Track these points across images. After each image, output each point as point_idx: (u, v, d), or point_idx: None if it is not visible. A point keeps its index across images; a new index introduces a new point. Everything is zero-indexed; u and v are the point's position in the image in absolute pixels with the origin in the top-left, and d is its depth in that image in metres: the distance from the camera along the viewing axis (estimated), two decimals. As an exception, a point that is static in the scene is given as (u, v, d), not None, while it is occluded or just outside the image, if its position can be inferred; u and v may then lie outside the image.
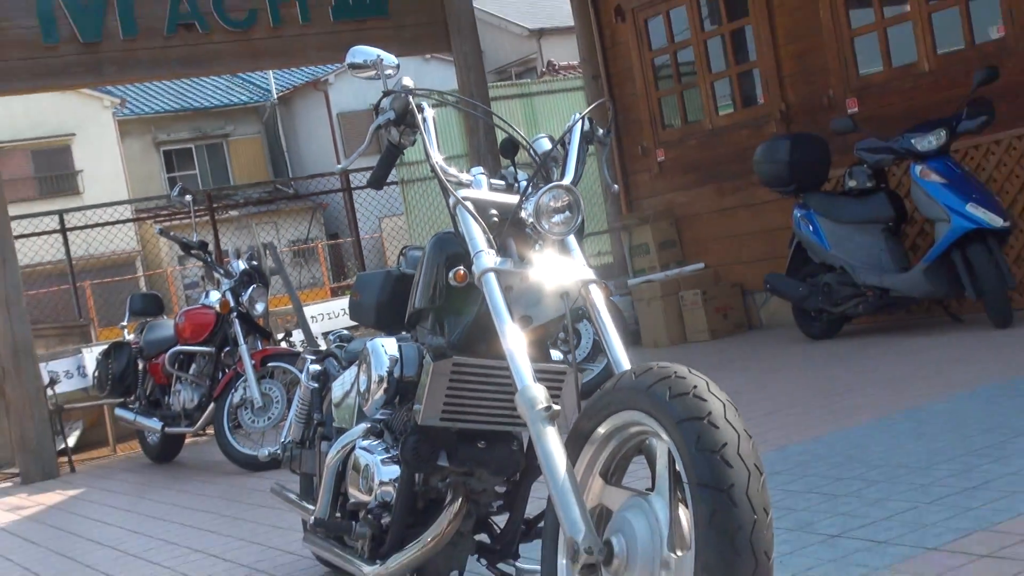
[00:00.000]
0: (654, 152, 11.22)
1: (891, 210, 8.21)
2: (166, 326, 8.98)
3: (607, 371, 2.85)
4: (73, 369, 9.93)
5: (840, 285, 8.42)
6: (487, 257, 2.89)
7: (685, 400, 2.35)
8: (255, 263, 8.47)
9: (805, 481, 4.53)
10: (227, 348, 8.28)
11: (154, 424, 8.68)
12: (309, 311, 9.98)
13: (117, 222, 13.49)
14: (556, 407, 2.61)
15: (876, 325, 8.82)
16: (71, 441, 9.90)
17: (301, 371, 4.56)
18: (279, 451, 4.69)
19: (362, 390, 3.46)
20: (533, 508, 3.45)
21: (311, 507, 4.09)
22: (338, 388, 4.07)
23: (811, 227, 8.57)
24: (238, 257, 8.56)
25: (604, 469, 2.68)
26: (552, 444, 2.57)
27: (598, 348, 7.76)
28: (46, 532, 6.76)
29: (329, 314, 10.73)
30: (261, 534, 5.56)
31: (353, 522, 3.61)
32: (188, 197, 8.79)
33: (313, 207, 30.24)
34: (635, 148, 11.42)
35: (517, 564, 3.44)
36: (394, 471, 3.36)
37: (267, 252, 9.07)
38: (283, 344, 8.70)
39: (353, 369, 3.89)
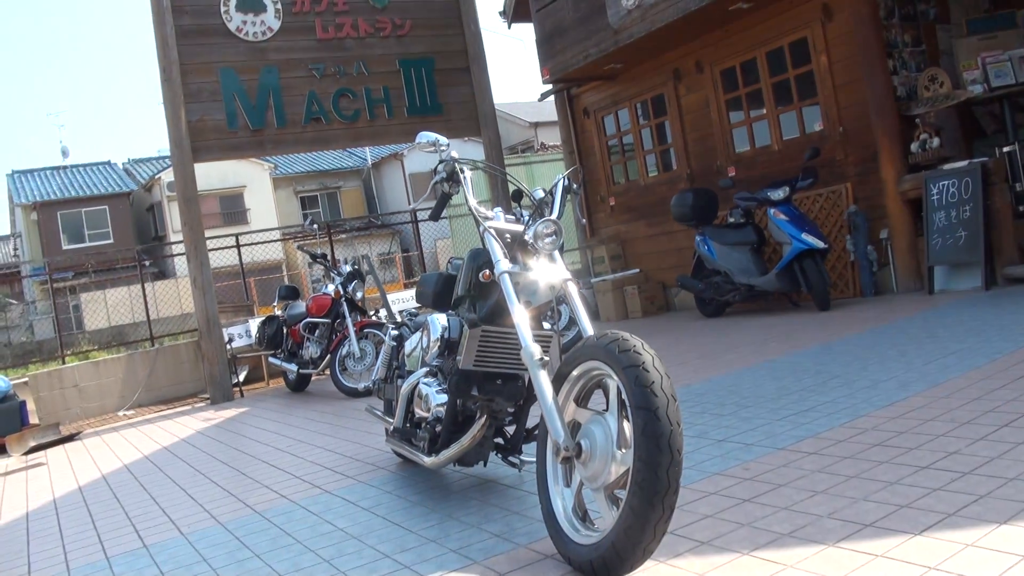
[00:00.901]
0: (608, 199, 11.16)
1: (755, 236, 8.15)
2: (301, 305, 8.87)
3: (578, 336, 2.80)
4: (243, 332, 9.85)
5: (724, 283, 8.34)
6: (503, 264, 2.87)
7: (629, 354, 2.32)
8: (356, 267, 8.36)
9: (702, 407, 4.47)
10: (339, 320, 8.18)
11: (292, 367, 8.57)
12: (390, 297, 9.90)
13: (270, 241, 13.53)
14: (547, 358, 2.59)
15: (745, 309, 8.73)
16: (241, 377, 9.82)
17: (385, 334, 4.46)
18: (371, 385, 4.63)
19: (424, 347, 3.43)
20: (531, 422, 3.44)
21: (391, 420, 4.05)
22: (409, 345, 3.97)
23: (706, 247, 8.50)
24: (346, 263, 8.48)
25: (576, 397, 2.66)
26: (544, 381, 2.55)
27: (572, 321, 7.64)
28: (225, 434, 6.68)
29: (403, 299, 10.65)
30: (358, 436, 5.48)
31: (417, 429, 3.61)
32: (315, 226, 8.72)
33: (393, 232, 30.10)
34: (596, 197, 11.34)
35: (521, 457, 3.44)
36: (444, 398, 3.35)
37: (364, 261, 9.01)
38: (374, 318, 8.64)
39: (418, 333, 3.84)
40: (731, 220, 8.35)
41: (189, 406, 9.19)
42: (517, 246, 2.96)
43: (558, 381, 2.64)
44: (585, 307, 2.84)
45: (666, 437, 2.20)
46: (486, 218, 3.07)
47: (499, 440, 3.47)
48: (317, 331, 8.42)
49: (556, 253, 2.95)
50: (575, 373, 2.60)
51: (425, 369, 3.53)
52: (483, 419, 3.20)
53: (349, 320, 7.91)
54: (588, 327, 2.74)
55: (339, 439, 5.52)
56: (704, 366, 5.76)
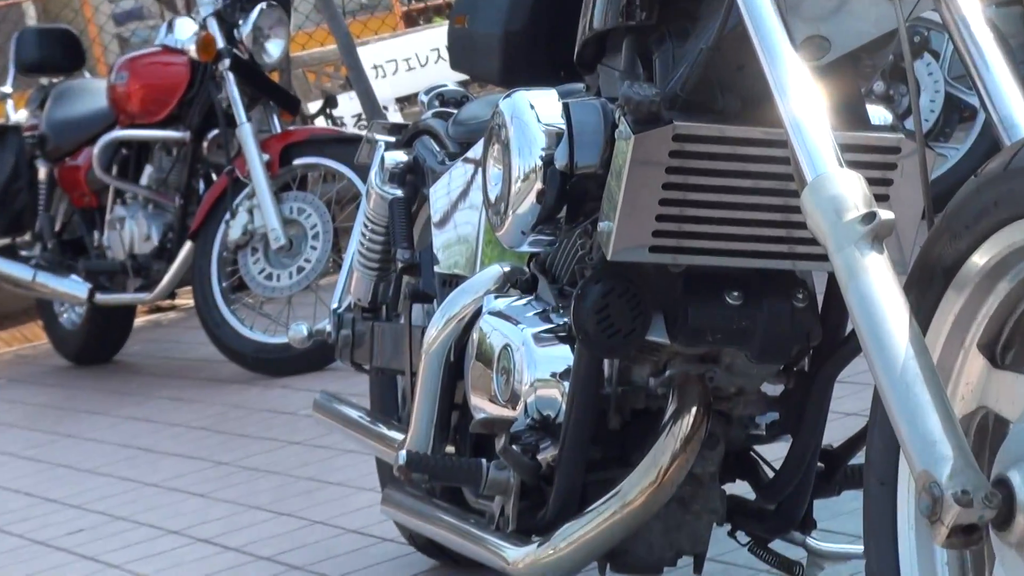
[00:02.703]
0: None
1: None
2: (91, 92, 9.06)
3: (982, 150, 2.79)
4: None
5: None
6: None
7: None
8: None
9: None
10: (213, 133, 8.37)
11: (74, 288, 8.77)
12: (368, 55, 10.00)
13: None
14: (886, 214, 2.54)
15: None
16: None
17: (369, 169, 4.52)
18: (327, 328, 4.74)
19: (493, 198, 3.48)
20: (837, 431, 3.51)
21: (397, 435, 4.15)
22: (441, 198, 4.17)
23: None
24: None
25: (988, 338, 2.66)
26: (879, 287, 2.52)
27: (954, 110, 7.60)
28: None
29: (408, 60, 10.78)
30: (295, 495, 5.67)
31: (483, 460, 3.64)
32: None
33: None
34: None
35: (810, 541, 3.53)
36: (561, 356, 3.42)
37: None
38: (321, 121, 8.70)
39: (470, 159, 3.93)
40: None
41: None
42: None
43: (928, 288, 2.66)
44: (1006, 57, 2.83)
45: None
46: None
47: (741, 488, 3.59)
48: (148, 170, 8.64)
49: None
50: (982, 261, 2.58)
51: (498, 270, 3.66)
52: (687, 421, 3.27)
53: (248, 131, 8.04)
54: (1018, 115, 2.76)
55: (233, 505, 5.76)
56: None
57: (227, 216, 8.04)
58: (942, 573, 2.75)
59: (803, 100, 2.73)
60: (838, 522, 3.67)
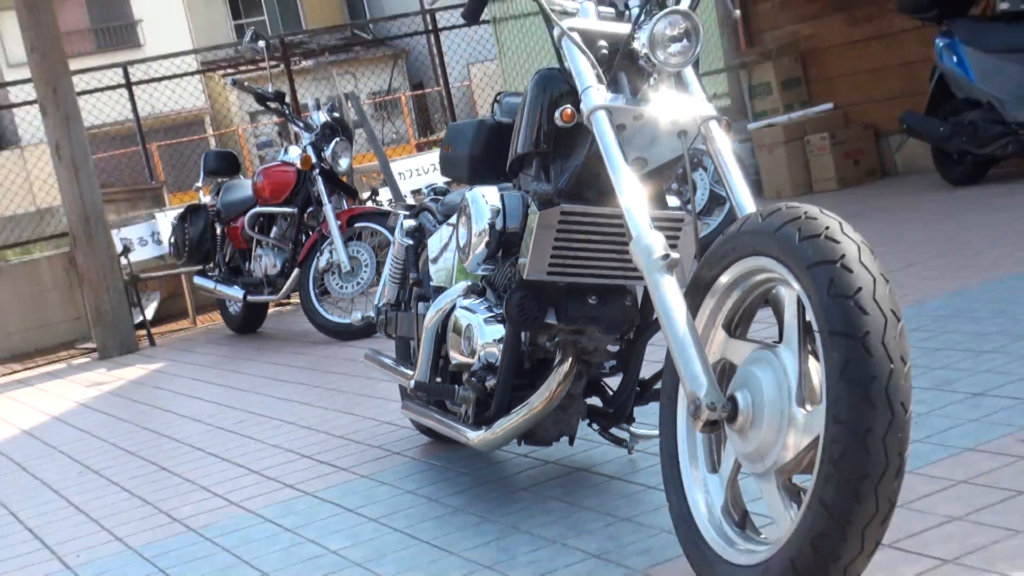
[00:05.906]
0: (776, -23, 10.92)
1: (1049, 36, 7.88)
2: (243, 186, 9.05)
3: (727, 221, 2.86)
4: (147, 236, 10.05)
5: (987, 123, 8.06)
6: (596, 93, 2.91)
7: (816, 243, 2.29)
8: (336, 115, 8.44)
9: (945, 337, 4.51)
10: (310, 209, 8.36)
11: (235, 292, 8.83)
12: (395, 167, 10.03)
13: (185, 74, 13.33)
14: (675, 255, 2.62)
15: (1022, 169, 8.56)
16: (149, 313, 10.09)
17: (391, 231, 4.60)
18: (372, 316, 4.88)
19: (461, 245, 3.58)
20: (648, 370, 3.61)
21: (409, 372, 4.24)
22: (435, 244, 4.16)
23: (955, 58, 8.24)
24: (318, 108, 8.52)
25: (727, 321, 2.75)
26: (670, 294, 2.60)
27: (715, 200, 7.75)
28: (130, 407, 6.95)
29: (417, 170, 10.78)
30: (355, 404, 5.72)
31: (456, 386, 3.79)
32: (261, 43, 8.71)
33: (395, 54, 30.00)
34: (755, -27, 11.11)
35: (631, 428, 3.66)
36: (498, 330, 3.52)
37: (349, 102, 9.08)
38: (369, 203, 8.75)
39: (447, 227, 4.04)
40: (1004, 7, 8.12)
41: (63, 363, 9.53)
42: (621, 62, 2.99)
43: (696, 294, 2.70)
44: (741, 170, 2.87)
45: (882, 382, 2.18)
46: (565, 14, 3.10)
47: (595, 401, 3.70)
48: (274, 229, 8.66)
49: (688, 71, 3.00)
50: (725, 280, 2.67)
51: (465, 284, 3.73)
52: (566, 365, 3.37)
53: (329, 208, 8.03)
54: (747, 200, 2.77)
55: (322, 408, 5.77)
56: (948, 271, 5.79)
57: (318, 254, 8.06)
58: (700, 447, 2.82)
59: (632, 193, 2.78)
60: (647, 418, 3.67)
